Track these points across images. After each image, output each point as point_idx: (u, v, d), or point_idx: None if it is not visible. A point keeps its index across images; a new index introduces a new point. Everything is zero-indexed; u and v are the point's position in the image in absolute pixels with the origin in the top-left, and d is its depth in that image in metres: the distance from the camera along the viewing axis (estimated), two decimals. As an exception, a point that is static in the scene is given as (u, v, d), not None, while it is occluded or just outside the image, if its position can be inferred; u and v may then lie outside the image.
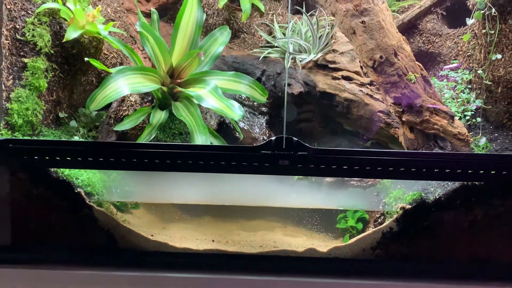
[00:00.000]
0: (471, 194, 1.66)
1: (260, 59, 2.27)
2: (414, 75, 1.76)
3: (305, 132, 2.38)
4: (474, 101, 2.01)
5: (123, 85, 1.70)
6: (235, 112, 1.74)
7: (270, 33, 2.44)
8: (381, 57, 1.74)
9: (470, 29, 2.10)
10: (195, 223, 1.91)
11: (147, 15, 2.35)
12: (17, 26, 1.78)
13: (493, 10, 1.75)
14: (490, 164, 1.63)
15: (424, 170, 1.64)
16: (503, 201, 1.65)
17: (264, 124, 2.22)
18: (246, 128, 2.18)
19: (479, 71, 1.92)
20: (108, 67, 2.27)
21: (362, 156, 1.64)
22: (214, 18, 2.43)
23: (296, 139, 1.64)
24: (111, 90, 1.68)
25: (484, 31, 1.89)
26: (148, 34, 1.75)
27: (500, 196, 1.65)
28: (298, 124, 2.34)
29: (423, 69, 1.87)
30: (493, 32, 1.83)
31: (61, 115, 2.00)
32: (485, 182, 1.65)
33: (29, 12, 1.81)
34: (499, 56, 1.83)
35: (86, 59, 1.85)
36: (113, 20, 2.32)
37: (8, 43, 1.76)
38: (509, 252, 1.67)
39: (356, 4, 1.76)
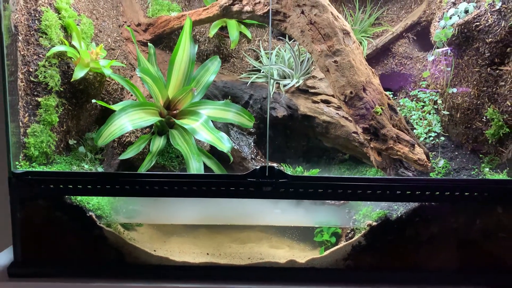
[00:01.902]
0: (429, 212, 1.94)
1: (247, 84, 2.50)
2: (381, 108, 2.01)
3: (291, 146, 2.64)
4: (437, 124, 2.26)
5: (125, 122, 1.94)
6: (224, 144, 1.99)
7: (257, 57, 2.67)
8: (351, 92, 1.99)
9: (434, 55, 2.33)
10: (192, 235, 2.18)
11: (144, 44, 2.58)
12: (31, 70, 2.01)
13: (449, 50, 1.99)
14: (445, 187, 1.91)
15: (388, 192, 1.92)
16: (455, 217, 1.93)
17: (252, 144, 2.47)
18: (236, 147, 2.43)
19: (439, 101, 2.17)
20: (111, 92, 2.52)
21: (334, 181, 1.92)
22: (206, 44, 2.66)
23: (277, 168, 1.91)
24: (116, 127, 1.92)
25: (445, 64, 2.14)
26: (147, 76, 1.99)
27: (453, 214, 1.92)
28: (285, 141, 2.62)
29: (390, 98, 2.12)
30: (449, 69, 2.07)
31: (70, 142, 2.25)
32: (440, 202, 1.92)
33: (40, 56, 2.04)
34: (454, 90, 2.08)
35: (93, 100, 2.09)
36: (113, 49, 2.55)
37: (23, 85, 2.00)
38: (461, 261, 1.95)
39: (329, 45, 2.00)
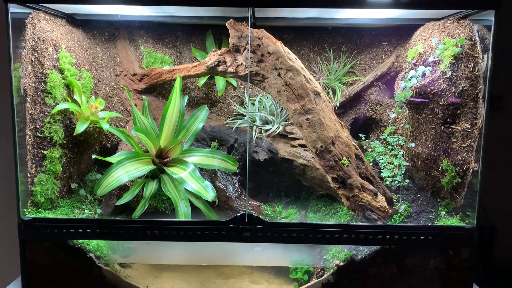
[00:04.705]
0: (388, 253, 2.20)
1: (233, 130, 2.76)
2: (348, 159, 2.26)
3: (273, 183, 2.89)
4: (402, 167, 2.52)
5: (122, 173, 2.20)
6: (209, 193, 2.25)
7: (242, 103, 2.93)
8: (321, 146, 2.24)
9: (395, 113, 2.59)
10: (181, 270, 2.43)
11: (139, 92, 2.84)
12: (37, 126, 2.27)
13: (407, 111, 2.25)
14: (401, 232, 2.17)
15: (353, 236, 2.18)
16: (412, 258, 2.19)
17: (237, 184, 2.73)
18: (222, 187, 2.69)
19: (400, 153, 2.43)
20: (108, 136, 2.78)
21: (305, 227, 2.18)
22: (196, 91, 2.92)
23: (256, 215, 2.17)
24: (113, 179, 2.18)
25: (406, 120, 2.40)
26: (140, 133, 2.25)
27: (410, 255, 2.19)
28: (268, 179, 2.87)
29: (358, 148, 2.38)
30: (408, 126, 2.33)
31: (72, 186, 2.50)
32: (398, 245, 2.18)
33: (46, 113, 2.29)
34: (413, 144, 2.34)
35: (93, 156, 2.34)
36: (111, 97, 2.80)
37: (31, 140, 2.25)
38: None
39: (302, 104, 2.25)
